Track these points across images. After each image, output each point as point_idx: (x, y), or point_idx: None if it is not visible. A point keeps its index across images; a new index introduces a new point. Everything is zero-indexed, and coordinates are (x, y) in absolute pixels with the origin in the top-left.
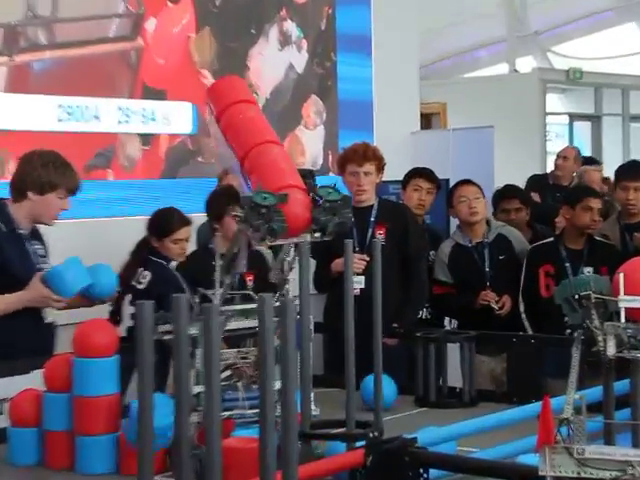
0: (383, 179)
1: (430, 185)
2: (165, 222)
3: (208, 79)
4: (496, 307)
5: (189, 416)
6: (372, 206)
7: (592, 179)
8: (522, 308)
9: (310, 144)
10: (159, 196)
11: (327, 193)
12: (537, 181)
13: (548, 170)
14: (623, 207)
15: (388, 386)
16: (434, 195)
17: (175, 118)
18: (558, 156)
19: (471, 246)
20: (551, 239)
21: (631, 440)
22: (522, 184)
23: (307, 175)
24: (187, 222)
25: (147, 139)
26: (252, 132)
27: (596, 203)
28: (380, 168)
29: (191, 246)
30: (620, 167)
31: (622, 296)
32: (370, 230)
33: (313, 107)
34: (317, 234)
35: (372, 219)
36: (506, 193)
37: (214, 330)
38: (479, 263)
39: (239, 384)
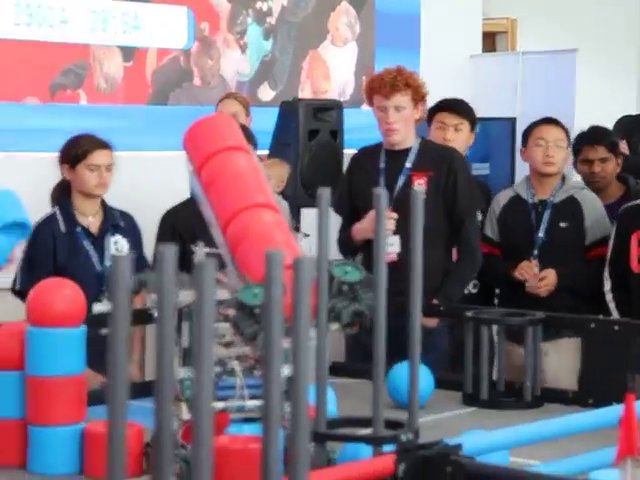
0: None
1: (458, 120)
2: (76, 145)
3: None
4: (528, 283)
5: (172, 407)
6: (409, 149)
7: None
8: (608, 286)
9: (338, 66)
10: (145, 127)
11: (344, 273)
12: (629, 124)
13: None
14: None
15: (424, 378)
16: (468, 134)
17: (165, 27)
18: None
19: (531, 202)
20: None
21: None
22: (611, 127)
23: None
24: (105, 145)
25: (130, 53)
26: (238, 192)
27: None
28: (419, 100)
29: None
30: None
31: None
32: (402, 178)
33: (343, 18)
34: (332, 324)
35: (408, 165)
36: (590, 138)
37: (208, 295)
38: (533, 225)
39: (237, 368)
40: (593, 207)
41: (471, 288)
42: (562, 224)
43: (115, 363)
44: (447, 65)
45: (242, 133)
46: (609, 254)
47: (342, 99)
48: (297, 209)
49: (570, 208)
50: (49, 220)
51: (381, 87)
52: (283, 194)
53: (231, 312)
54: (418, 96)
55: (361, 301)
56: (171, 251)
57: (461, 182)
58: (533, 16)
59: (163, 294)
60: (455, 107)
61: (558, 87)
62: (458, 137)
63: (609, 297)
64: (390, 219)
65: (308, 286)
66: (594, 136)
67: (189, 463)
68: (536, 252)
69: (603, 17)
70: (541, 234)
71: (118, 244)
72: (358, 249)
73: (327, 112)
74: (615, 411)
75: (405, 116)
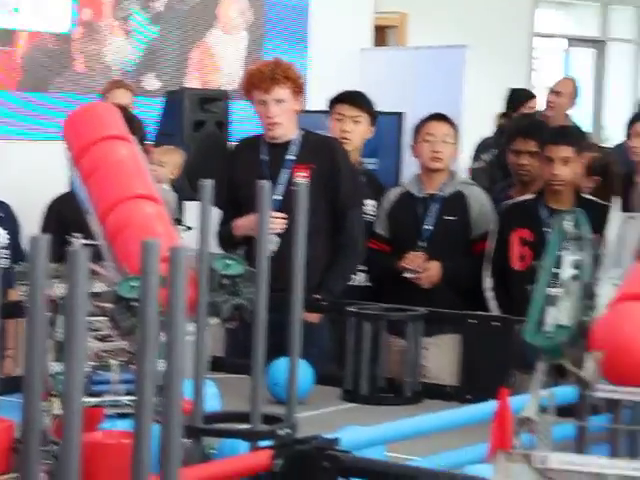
0: (321, 109)
1: (356, 112)
2: None
3: None
4: (409, 274)
5: (42, 402)
6: (291, 142)
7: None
8: (488, 283)
9: (227, 55)
10: (21, 115)
11: (225, 266)
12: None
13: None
14: None
15: (303, 373)
16: (367, 127)
17: (46, 10)
18: (551, 91)
19: (420, 197)
20: (531, 196)
21: (609, 452)
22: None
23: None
24: None
25: (7, 36)
26: (118, 182)
27: (562, 151)
28: (298, 91)
29: None
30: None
31: None
32: (285, 171)
33: (235, 4)
34: (212, 318)
35: (290, 157)
36: (522, 129)
37: (81, 284)
38: (420, 218)
39: (113, 362)
40: (479, 201)
41: (366, 281)
42: (448, 217)
43: None
44: (337, 58)
45: (125, 122)
46: (490, 251)
47: (231, 89)
48: (180, 201)
49: (457, 202)
50: None
51: (261, 81)
52: (176, 182)
53: (108, 305)
54: (297, 88)
55: (242, 295)
56: (44, 240)
57: (344, 174)
58: (424, 11)
59: (34, 285)
60: (354, 99)
61: (447, 83)
62: (356, 129)
63: (489, 295)
64: (280, 219)
65: (184, 277)
66: (527, 129)
67: None
68: (422, 244)
69: (493, 14)
70: (427, 226)
71: None
72: (238, 244)
73: (214, 103)
74: (492, 406)
75: (286, 109)
